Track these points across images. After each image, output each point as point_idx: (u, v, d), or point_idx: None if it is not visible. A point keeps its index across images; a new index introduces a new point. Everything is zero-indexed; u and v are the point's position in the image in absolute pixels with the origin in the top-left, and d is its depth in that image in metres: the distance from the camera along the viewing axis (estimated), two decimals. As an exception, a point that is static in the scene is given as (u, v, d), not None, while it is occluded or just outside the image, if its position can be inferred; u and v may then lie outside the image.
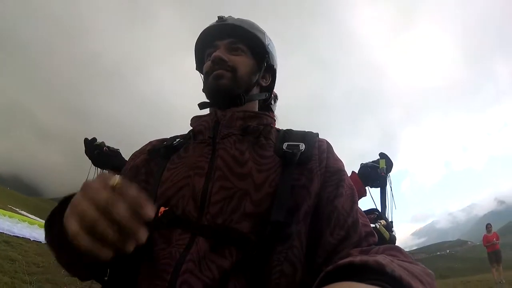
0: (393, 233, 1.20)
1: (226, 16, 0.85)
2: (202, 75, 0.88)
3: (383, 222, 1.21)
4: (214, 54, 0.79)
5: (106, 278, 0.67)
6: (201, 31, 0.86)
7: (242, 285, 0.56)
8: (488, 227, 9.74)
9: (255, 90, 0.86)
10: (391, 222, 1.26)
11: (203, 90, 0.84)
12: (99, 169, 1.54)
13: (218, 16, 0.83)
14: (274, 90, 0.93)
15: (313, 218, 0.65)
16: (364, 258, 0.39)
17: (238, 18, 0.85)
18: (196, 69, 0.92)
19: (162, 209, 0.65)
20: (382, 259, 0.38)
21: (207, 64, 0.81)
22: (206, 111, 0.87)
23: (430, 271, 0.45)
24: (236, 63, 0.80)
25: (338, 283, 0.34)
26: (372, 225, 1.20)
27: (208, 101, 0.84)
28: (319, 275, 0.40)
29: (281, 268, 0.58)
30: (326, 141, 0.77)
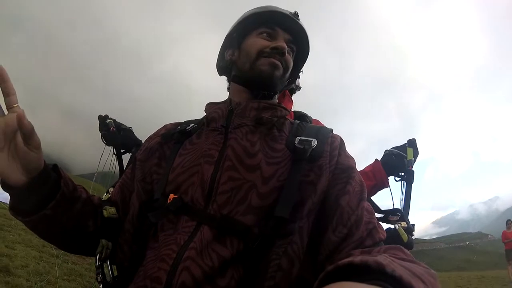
0: (413, 237, 1.14)
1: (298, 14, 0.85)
2: (232, 40, 0.86)
3: (403, 224, 1.14)
4: (282, 44, 0.79)
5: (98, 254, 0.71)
6: (268, 5, 0.84)
7: (240, 276, 0.58)
8: (509, 223, 9.32)
9: None
10: (413, 225, 1.18)
11: (230, 57, 0.85)
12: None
13: (295, 12, 0.84)
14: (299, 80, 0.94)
15: (318, 215, 0.65)
16: (365, 258, 0.38)
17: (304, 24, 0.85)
18: (232, 33, 0.87)
19: (171, 196, 0.68)
20: (383, 259, 0.38)
21: (265, 43, 0.80)
22: (221, 98, 0.86)
23: (433, 271, 0.44)
24: (288, 64, 0.82)
25: (338, 283, 0.34)
26: (391, 226, 1.14)
27: (241, 76, 0.82)
28: (319, 275, 0.40)
29: (278, 262, 0.59)
30: (340, 137, 0.76)
